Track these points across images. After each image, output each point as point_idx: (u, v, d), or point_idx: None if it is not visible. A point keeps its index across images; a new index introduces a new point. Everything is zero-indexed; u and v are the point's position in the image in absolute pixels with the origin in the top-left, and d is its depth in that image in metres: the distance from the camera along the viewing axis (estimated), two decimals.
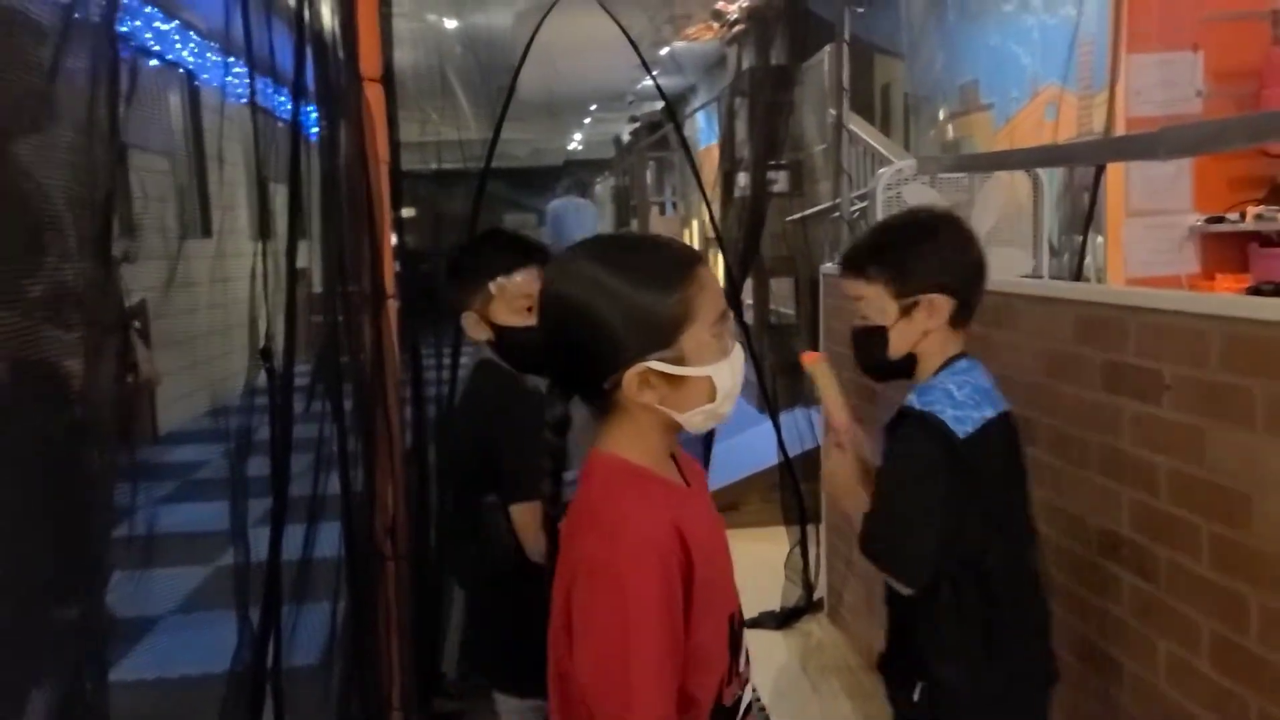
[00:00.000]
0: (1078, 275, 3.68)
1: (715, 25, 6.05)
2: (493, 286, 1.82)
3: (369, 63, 2.23)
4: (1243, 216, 3.59)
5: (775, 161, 5.68)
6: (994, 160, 3.72)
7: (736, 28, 5.86)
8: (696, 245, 11.26)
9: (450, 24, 7.86)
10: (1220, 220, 3.67)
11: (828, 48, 5.34)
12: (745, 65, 6.30)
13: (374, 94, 2.27)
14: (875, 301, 1.59)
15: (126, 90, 1.28)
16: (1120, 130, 3.63)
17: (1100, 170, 3.63)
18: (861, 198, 3.98)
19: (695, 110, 9.93)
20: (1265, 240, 3.62)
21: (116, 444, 1.24)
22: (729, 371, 1.14)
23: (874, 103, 7.35)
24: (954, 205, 3.25)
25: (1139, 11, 3.68)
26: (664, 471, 1.18)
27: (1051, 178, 4.35)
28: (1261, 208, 3.56)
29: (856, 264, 1.62)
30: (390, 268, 2.31)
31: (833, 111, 5.32)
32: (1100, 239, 3.90)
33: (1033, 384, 1.99)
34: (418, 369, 2.65)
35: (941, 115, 5.42)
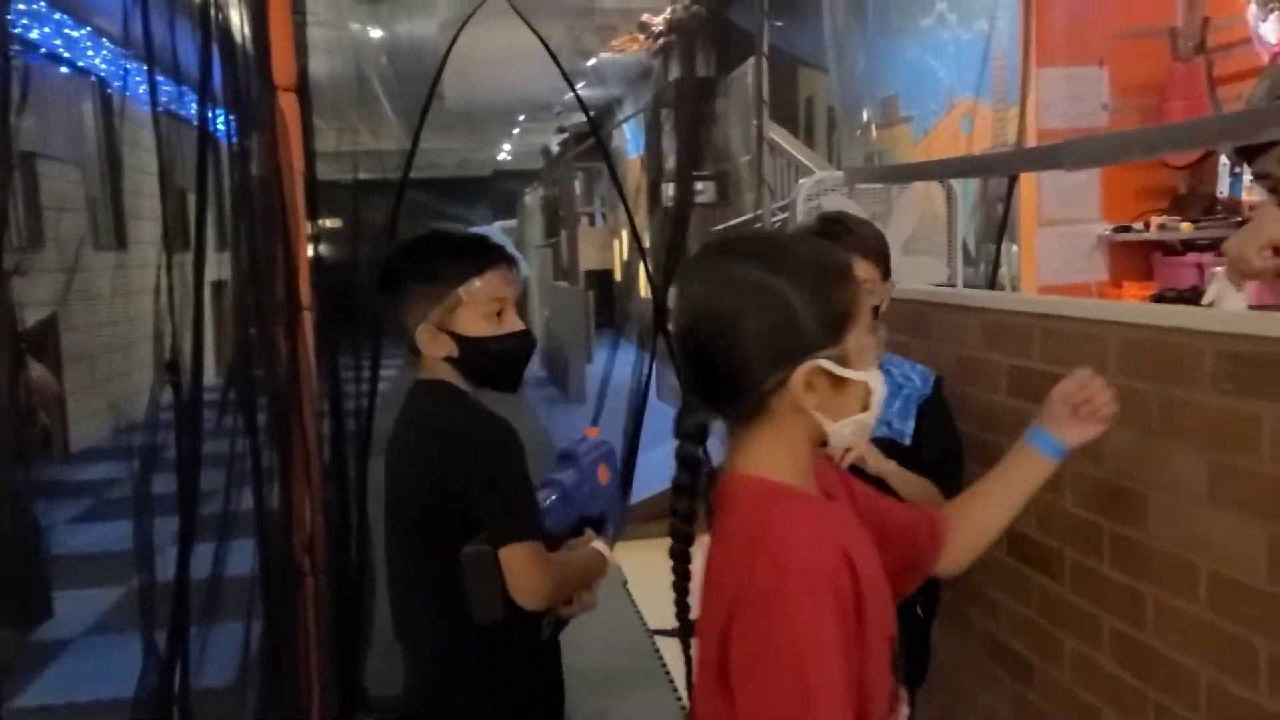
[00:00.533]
0: (992, 283, 3.77)
1: (641, 37, 6.09)
2: (462, 292, 1.63)
3: (282, 71, 2.20)
4: (1147, 226, 3.72)
5: (700, 172, 5.74)
6: (911, 171, 3.79)
7: (662, 40, 5.91)
8: (624, 256, 11.30)
9: (374, 33, 7.78)
10: (1127, 230, 3.80)
11: (751, 60, 5.42)
12: (670, 77, 6.36)
13: (288, 103, 2.23)
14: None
15: (19, 97, 1.25)
16: (1031, 142, 3.73)
17: (1013, 181, 3.74)
18: (783, 208, 4.03)
19: (621, 121, 9.98)
20: (1168, 249, 3.75)
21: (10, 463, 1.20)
22: (880, 380, 1.09)
23: (798, 115, 7.47)
24: (873, 216, 3.31)
25: (1047, 28, 3.79)
26: (811, 488, 1.11)
27: (967, 188, 4.46)
28: (1164, 218, 3.69)
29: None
30: (305, 279, 2.27)
31: (756, 123, 5.40)
32: (1015, 248, 4.01)
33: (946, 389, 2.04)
34: (336, 382, 2.61)
35: (863, 127, 5.52)
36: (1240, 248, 1.29)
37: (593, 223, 13.03)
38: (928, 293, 2.26)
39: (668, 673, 3.28)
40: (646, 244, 5.42)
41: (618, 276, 11.54)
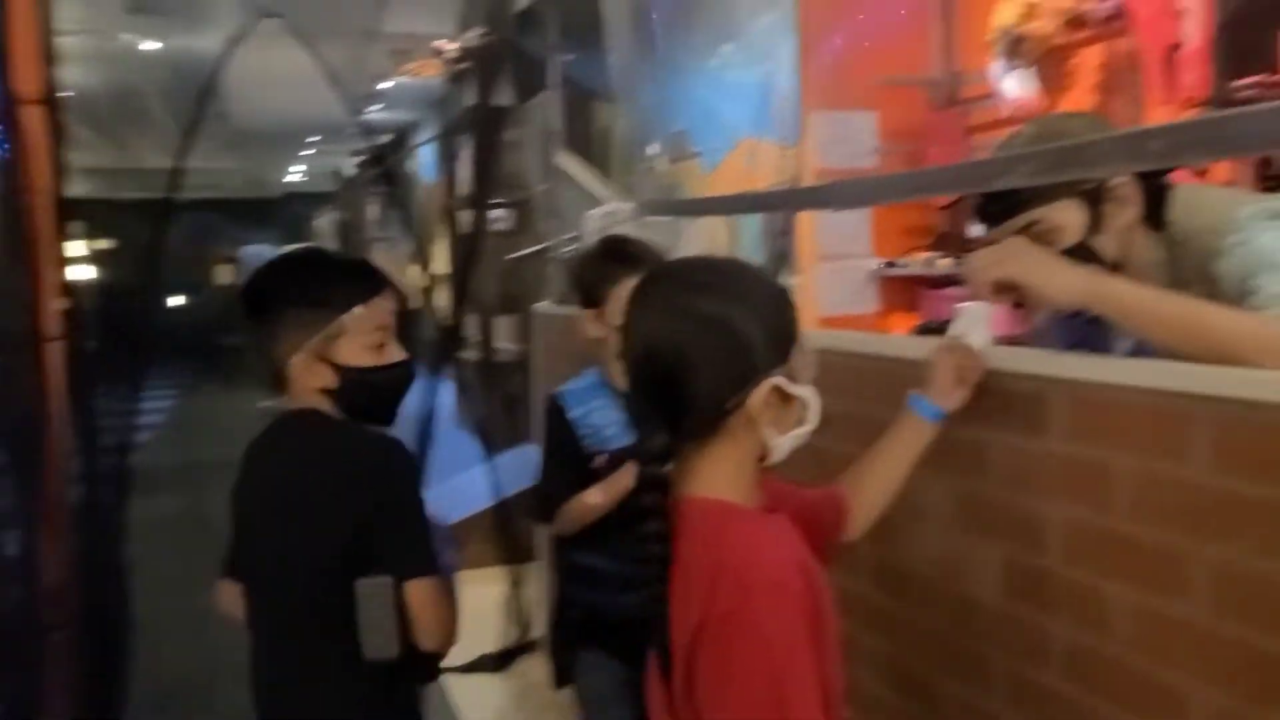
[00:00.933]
0: None
1: (436, 61, 6.03)
2: (347, 320, 1.52)
3: (26, 82, 2.04)
4: (913, 262, 3.98)
5: (497, 200, 5.73)
6: (696, 206, 3.92)
7: (457, 66, 5.87)
8: (419, 283, 11.08)
9: (152, 45, 7.29)
10: (894, 264, 4.06)
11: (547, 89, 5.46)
12: (466, 103, 6.32)
13: (33, 116, 2.07)
14: None
15: None
16: (808, 180, 3.93)
17: (792, 217, 3.92)
18: (573, 239, 4.07)
19: (417, 146, 9.83)
20: (932, 283, 4.03)
21: None
22: (815, 394, 1.14)
23: (593, 146, 7.57)
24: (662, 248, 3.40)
25: (820, 72, 4.02)
26: (756, 503, 1.14)
27: (752, 222, 4.66)
28: (928, 254, 3.97)
29: None
30: (52, 305, 2.10)
31: (548, 153, 5.44)
32: (795, 281, 4.21)
33: None
34: (91, 416, 2.42)
35: (655, 161, 5.67)
36: (979, 273, 1.39)
37: (388, 248, 12.72)
38: None
39: None
40: (441, 270, 5.35)
41: (416, 303, 11.28)
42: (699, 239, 3.66)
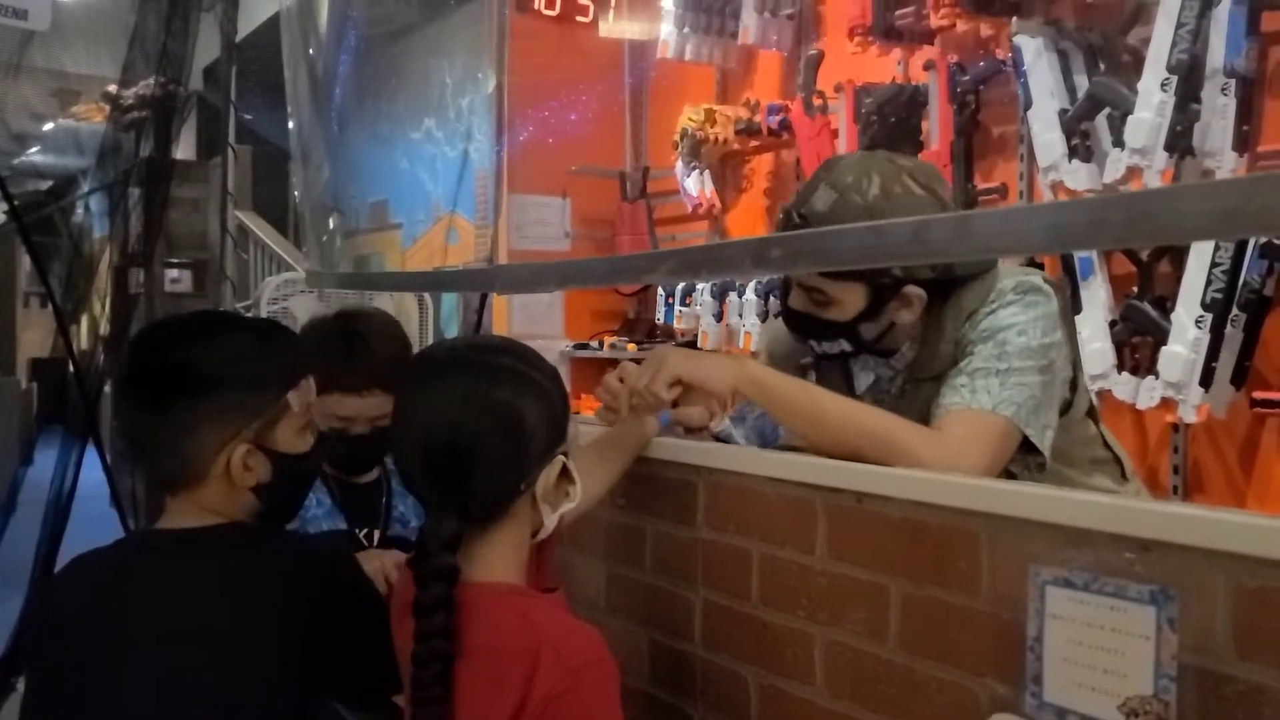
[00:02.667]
0: None
1: (106, 108, 5.56)
2: (293, 399, 1.22)
3: None
4: (601, 345, 4.10)
5: (171, 260, 5.32)
6: (369, 280, 3.84)
7: (132, 114, 5.44)
8: (85, 344, 10.05)
9: None
10: (585, 347, 4.16)
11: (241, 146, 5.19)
12: (142, 154, 5.87)
13: None
14: None
15: None
16: (503, 259, 3.97)
17: (485, 295, 3.93)
18: (248, 306, 3.85)
19: (80, 196, 8.99)
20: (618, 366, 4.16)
21: None
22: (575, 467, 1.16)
23: (288, 208, 7.27)
24: None
25: (519, 156, 4.09)
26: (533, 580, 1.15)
27: (449, 297, 4.63)
28: (615, 338, 4.10)
29: None
30: None
31: (238, 213, 5.15)
32: None
33: None
34: None
35: (344, 229, 5.52)
36: (645, 382, 1.42)
37: (43, 304, 11.47)
38: None
39: None
40: (104, 330, 4.87)
41: (75, 366, 10.20)
42: (390, 310, 3.56)
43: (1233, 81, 2.20)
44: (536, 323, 4.12)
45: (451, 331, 4.63)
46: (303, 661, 1.18)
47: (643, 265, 1.34)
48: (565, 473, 1.14)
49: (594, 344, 4.13)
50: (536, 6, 4.12)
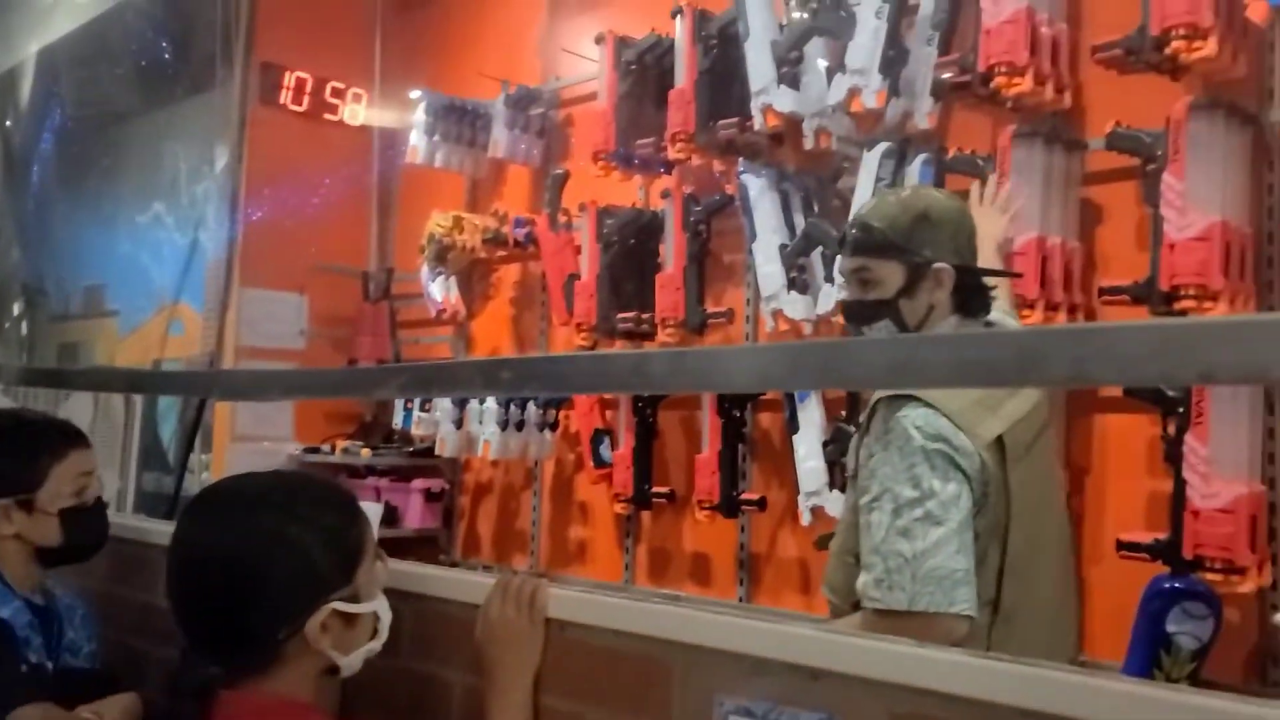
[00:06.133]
0: (176, 494, 3.61)
1: None
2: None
3: None
4: (334, 449, 3.93)
5: None
6: (60, 378, 3.53)
7: None
8: None
9: None
10: (316, 450, 3.97)
11: None
12: None
13: None
14: None
15: None
16: (229, 356, 3.76)
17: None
18: None
19: None
20: (353, 471, 3.99)
21: None
22: (386, 605, 1.11)
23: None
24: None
25: (254, 248, 3.93)
26: None
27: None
28: (349, 442, 3.94)
29: None
30: None
31: None
32: (206, 457, 3.93)
33: None
34: None
35: (55, 314, 5.07)
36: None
37: None
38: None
39: None
40: None
41: None
42: (88, 406, 3.27)
43: None
44: (264, 423, 3.90)
45: (169, 428, 4.30)
46: None
47: (373, 379, 1.30)
48: (354, 617, 1.08)
49: (326, 448, 3.95)
50: (282, 101, 4.02)
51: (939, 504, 1.46)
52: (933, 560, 1.42)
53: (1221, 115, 2.09)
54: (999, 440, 1.56)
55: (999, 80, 2.23)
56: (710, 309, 3.00)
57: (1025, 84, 2.22)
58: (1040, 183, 2.29)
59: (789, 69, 2.64)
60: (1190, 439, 1.99)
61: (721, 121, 2.84)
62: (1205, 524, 1.93)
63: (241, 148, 3.82)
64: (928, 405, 1.54)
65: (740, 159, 2.85)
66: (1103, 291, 2.21)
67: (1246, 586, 1.99)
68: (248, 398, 3.03)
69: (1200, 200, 2.04)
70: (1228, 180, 2.09)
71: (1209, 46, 1.98)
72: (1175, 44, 2.01)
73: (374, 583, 1.14)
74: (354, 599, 1.09)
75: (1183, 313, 2.00)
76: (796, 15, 2.66)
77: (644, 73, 3.15)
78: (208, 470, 3.90)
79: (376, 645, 1.14)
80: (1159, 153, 2.10)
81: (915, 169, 2.43)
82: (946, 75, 2.36)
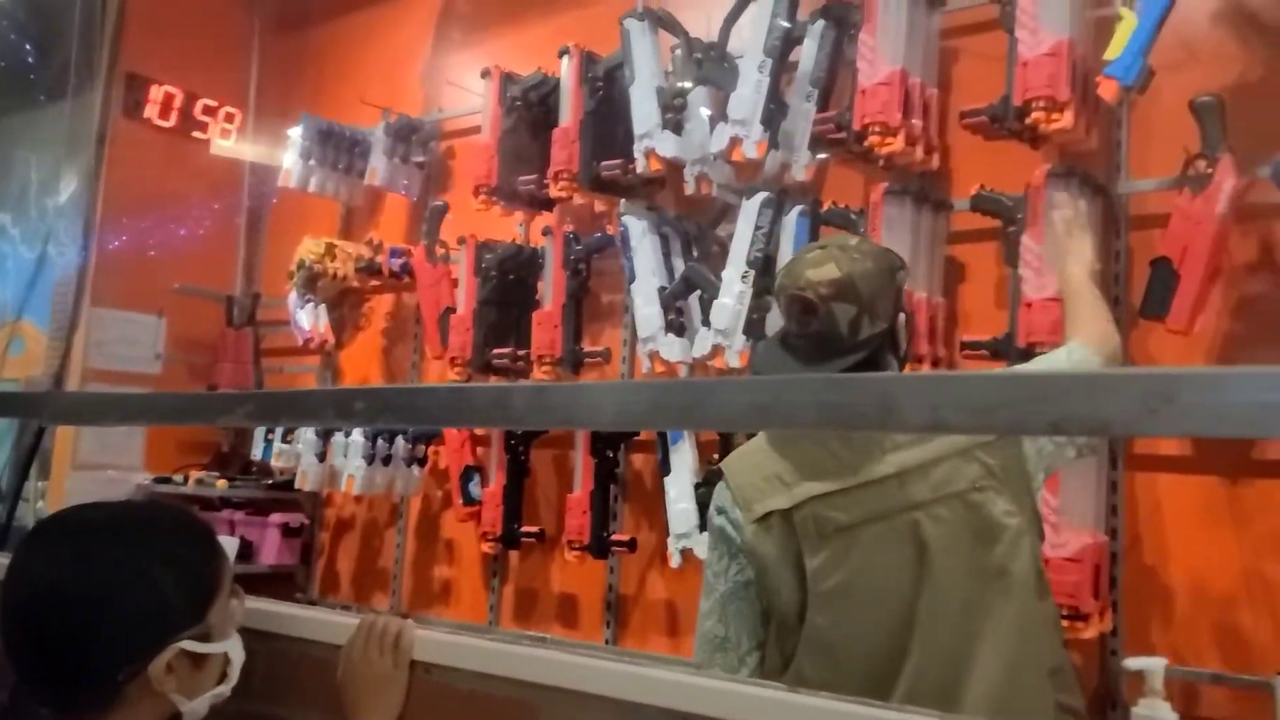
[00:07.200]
0: (8, 523, 3.36)
1: None
2: None
3: None
4: (186, 479, 3.74)
5: None
6: None
7: None
8: None
9: None
10: (168, 480, 3.77)
11: None
12: None
13: None
14: None
15: None
16: (74, 378, 3.55)
17: None
18: None
19: None
20: (206, 503, 3.81)
21: None
22: (240, 646, 1.06)
23: None
24: None
25: (109, 266, 3.74)
26: None
27: None
28: (204, 472, 3.76)
29: None
30: None
31: None
32: (43, 485, 3.69)
33: None
34: None
35: None
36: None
37: None
38: None
39: None
40: None
41: None
42: None
43: None
44: (110, 451, 3.69)
45: (2, 454, 4.02)
46: None
47: (219, 406, 1.23)
48: (204, 658, 1.02)
49: (178, 478, 3.76)
50: (147, 115, 3.86)
51: (711, 574, 1.60)
52: (703, 626, 1.58)
53: (1075, 184, 2.22)
54: (786, 518, 1.52)
55: (873, 139, 2.32)
56: (587, 348, 2.99)
57: (897, 144, 2.31)
58: (909, 240, 2.38)
59: (673, 115, 2.68)
60: (1044, 491, 2.08)
61: (604, 162, 2.86)
62: (1055, 572, 2.02)
63: (100, 161, 3.64)
64: (726, 477, 1.61)
65: (622, 200, 2.87)
66: (964, 346, 2.30)
67: (1090, 632, 2.08)
68: (81, 422, 2.85)
69: (1055, 263, 2.15)
70: None
71: (1066, 119, 2.10)
72: (1035, 114, 2.12)
73: (228, 621, 1.08)
74: (205, 638, 1.03)
75: None
76: (682, 63, 2.71)
77: (529, 110, 3.15)
78: (43, 499, 3.66)
79: (225, 689, 1.08)
80: (1019, 216, 2.21)
81: (792, 220, 2.49)
82: (823, 130, 2.43)
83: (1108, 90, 2.07)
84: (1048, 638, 1.56)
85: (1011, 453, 1.53)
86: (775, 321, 2.53)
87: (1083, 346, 1.74)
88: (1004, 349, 2.19)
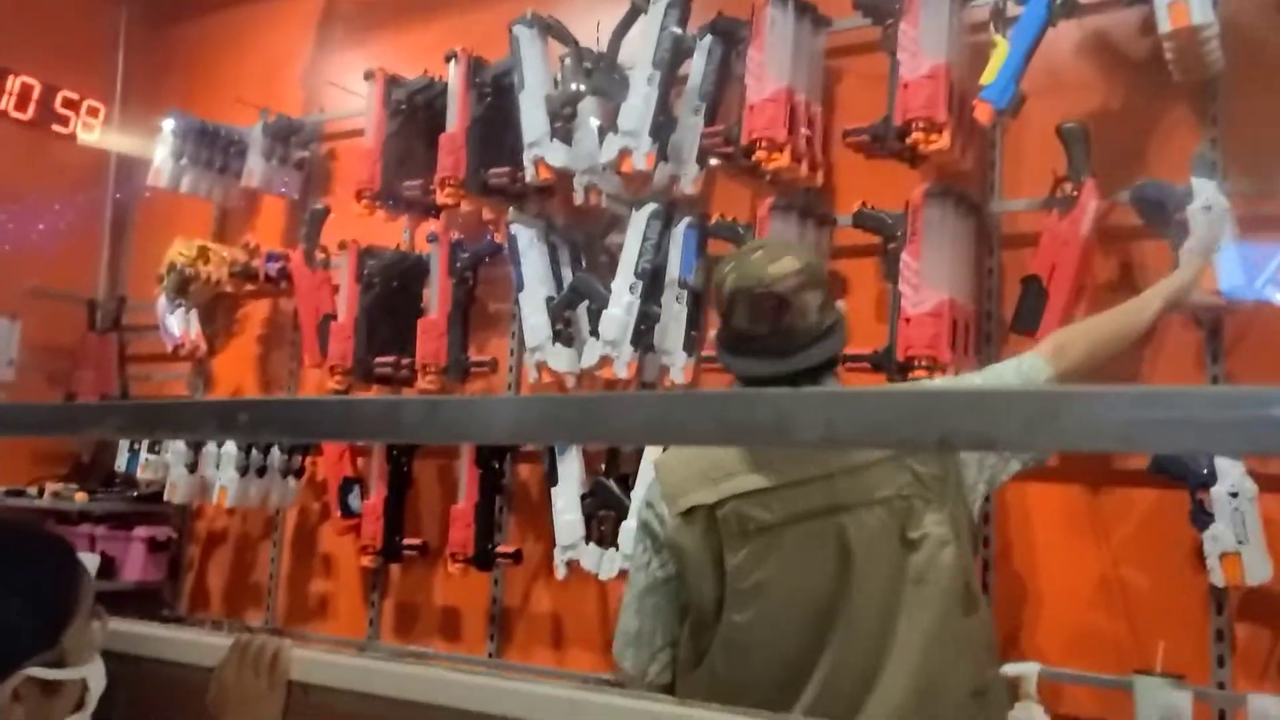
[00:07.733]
0: None
1: None
2: None
3: None
4: (42, 492, 3.53)
5: None
6: None
7: None
8: None
9: None
10: (21, 494, 3.55)
11: None
12: None
13: None
14: None
15: None
16: None
17: None
18: None
19: None
20: (63, 517, 3.60)
21: None
22: (101, 672, 0.99)
23: None
24: None
25: None
26: None
27: None
28: (61, 485, 3.56)
29: None
30: None
31: None
32: None
33: None
34: None
35: None
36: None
37: None
38: None
39: None
40: None
41: None
42: None
43: (685, 292, 2.53)
44: None
45: None
46: None
47: (87, 418, 1.16)
48: (57, 685, 0.96)
49: (32, 491, 3.54)
50: (3, 107, 3.64)
51: (633, 568, 1.61)
52: (622, 619, 1.59)
53: (952, 203, 2.30)
54: (709, 514, 1.50)
55: (759, 154, 2.35)
56: (474, 357, 2.95)
57: (783, 159, 2.35)
58: None
59: (562, 124, 2.67)
60: None
61: (493, 170, 2.83)
62: None
63: None
64: (656, 472, 1.61)
65: (510, 208, 2.84)
66: (846, 359, 2.35)
67: None
68: None
69: (932, 279, 2.22)
70: (956, 262, 2.30)
71: (943, 140, 2.18)
72: (915, 135, 2.19)
73: (86, 645, 1.01)
74: (58, 664, 0.97)
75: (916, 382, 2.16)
76: (572, 73, 2.70)
77: (414, 114, 3.10)
78: None
79: (83, 718, 1.01)
80: (899, 233, 2.28)
81: (680, 232, 2.51)
82: (712, 144, 2.46)
83: (983, 113, 2.15)
84: (972, 656, 1.52)
85: (948, 463, 1.51)
86: (662, 332, 2.54)
87: (1036, 355, 1.69)
88: (884, 362, 2.25)
